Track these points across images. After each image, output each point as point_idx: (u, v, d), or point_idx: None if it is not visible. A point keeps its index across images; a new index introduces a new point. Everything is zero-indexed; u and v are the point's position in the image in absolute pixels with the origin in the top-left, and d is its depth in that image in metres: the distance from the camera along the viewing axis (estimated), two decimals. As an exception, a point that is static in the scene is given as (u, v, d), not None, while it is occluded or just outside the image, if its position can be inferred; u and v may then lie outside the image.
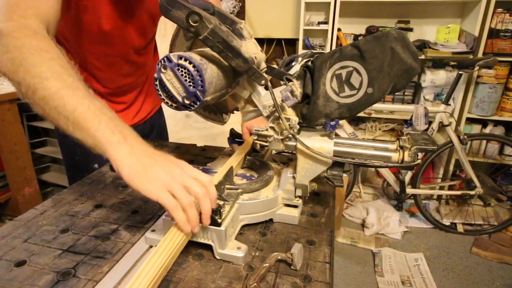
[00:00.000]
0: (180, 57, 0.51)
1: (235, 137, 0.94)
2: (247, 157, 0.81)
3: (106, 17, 0.81)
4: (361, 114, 2.48)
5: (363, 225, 2.30)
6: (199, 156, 1.05)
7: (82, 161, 1.01)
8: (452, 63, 2.00)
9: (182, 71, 0.51)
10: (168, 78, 0.52)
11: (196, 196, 0.52)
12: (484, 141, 2.38)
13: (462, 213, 2.34)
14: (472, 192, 2.15)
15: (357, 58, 0.59)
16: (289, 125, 0.62)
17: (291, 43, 2.78)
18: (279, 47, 2.86)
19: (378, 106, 2.29)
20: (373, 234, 2.21)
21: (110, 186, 0.84)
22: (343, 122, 2.13)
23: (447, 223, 2.29)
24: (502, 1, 2.06)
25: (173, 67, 0.51)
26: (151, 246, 0.62)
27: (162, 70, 0.52)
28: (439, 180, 2.49)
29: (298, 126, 0.65)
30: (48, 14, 0.63)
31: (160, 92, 0.54)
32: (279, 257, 0.57)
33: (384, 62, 0.57)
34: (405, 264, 1.95)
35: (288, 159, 0.96)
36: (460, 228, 2.27)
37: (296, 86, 0.63)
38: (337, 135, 0.66)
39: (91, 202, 0.76)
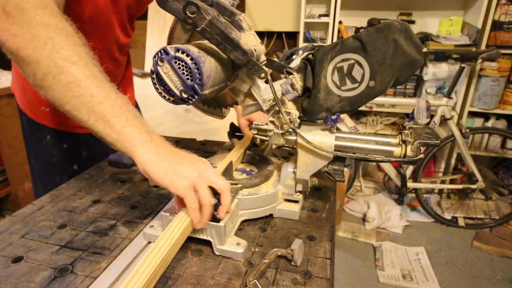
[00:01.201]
0: (178, 50, 0.50)
1: (235, 131, 0.93)
2: (247, 151, 0.80)
3: (93, 5, 0.77)
4: (362, 108, 2.46)
5: (364, 219, 2.29)
6: (199, 151, 1.04)
7: (61, 164, 0.97)
8: (454, 55, 1.98)
9: (179, 64, 0.50)
10: (165, 71, 0.51)
11: (221, 189, 0.54)
12: (486, 135, 2.36)
13: (464, 207, 2.33)
14: (473, 186, 2.14)
15: (359, 50, 0.57)
16: (289, 119, 0.61)
17: (292, 36, 2.76)
18: (279, 40, 2.83)
19: (379, 99, 2.27)
20: (374, 228, 2.21)
21: (109, 181, 0.84)
22: (344, 116, 2.11)
23: (448, 217, 2.29)
24: (506, -7, 2.03)
25: (170, 59, 0.50)
26: (149, 242, 0.61)
27: (159, 63, 0.51)
28: (440, 174, 2.47)
29: (298, 120, 0.64)
30: None
31: (157, 86, 0.53)
32: (279, 253, 0.56)
33: (386, 55, 0.56)
34: (406, 258, 1.95)
35: (288, 154, 0.95)
36: (461, 222, 2.27)
37: (297, 80, 0.62)
38: (338, 129, 0.64)
39: (89, 197, 0.76)
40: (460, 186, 2.21)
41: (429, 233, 2.19)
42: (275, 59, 0.66)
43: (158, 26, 2.64)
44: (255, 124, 0.66)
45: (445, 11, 2.40)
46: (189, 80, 0.50)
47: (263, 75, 0.58)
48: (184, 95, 0.51)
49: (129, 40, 0.96)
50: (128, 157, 0.86)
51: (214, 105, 0.74)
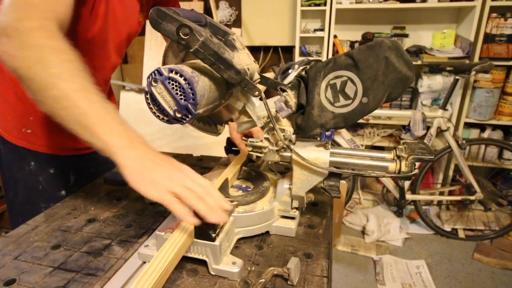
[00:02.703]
0: (171, 70, 0.50)
1: (232, 146, 0.93)
2: (243, 167, 0.80)
3: (93, 24, 0.78)
4: (359, 120, 2.47)
5: (363, 232, 2.28)
6: (195, 167, 1.04)
7: (47, 190, 0.92)
8: (448, 68, 2.01)
9: (173, 84, 0.51)
10: (159, 91, 0.51)
11: (196, 194, 0.53)
12: (483, 146, 2.37)
13: (463, 219, 2.32)
14: (472, 197, 2.14)
15: (351, 67, 0.58)
16: (284, 136, 0.61)
17: (288, 50, 2.79)
18: (276, 55, 2.86)
19: (375, 112, 2.28)
20: (374, 242, 2.19)
21: (104, 199, 0.83)
22: (341, 128, 2.12)
23: (448, 229, 2.27)
24: (497, 6, 2.07)
25: (163, 80, 0.51)
26: (144, 262, 0.60)
27: (153, 83, 0.51)
28: (439, 186, 2.47)
29: (293, 137, 0.64)
30: (64, 18, 0.63)
31: (151, 106, 0.53)
32: (275, 272, 0.55)
33: (378, 72, 0.57)
34: (407, 271, 1.93)
35: (285, 168, 0.95)
36: (461, 233, 2.25)
37: (291, 97, 0.62)
38: (335, 142, 0.65)
39: (84, 216, 0.75)
40: (458, 198, 2.21)
41: (429, 245, 2.17)
42: (269, 76, 0.66)
43: (156, 41, 2.67)
44: (250, 141, 0.66)
45: (438, 25, 2.44)
46: (182, 100, 0.50)
47: (256, 93, 0.58)
48: (178, 115, 0.52)
49: (120, 61, 0.97)
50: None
51: (209, 122, 0.75)
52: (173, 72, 0.50)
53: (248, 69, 0.57)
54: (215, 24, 0.61)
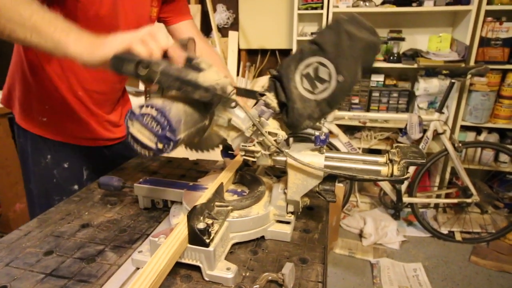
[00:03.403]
0: (141, 107, 0.51)
1: (228, 149, 0.92)
2: (239, 171, 0.80)
3: (107, 2, 0.81)
4: (355, 123, 2.48)
5: (360, 235, 2.27)
6: (191, 170, 1.04)
7: (61, 184, 0.97)
8: (444, 71, 2.01)
9: (146, 118, 0.51)
10: (138, 129, 0.52)
11: (166, 44, 0.57)
12: (479, 149, 2.38)
13: (460, 221, 2.32)
14: (469, 200, 2.14)
15: (318, 52, 0.60)
16: (276, 140, 0.61)
17: (285, 53, 2.80)
18: (273, 58, 2.87)
19: (372, 115, 2.29)
20: (371, 244, 2.19)
21: (98, 203, 0.82)
22: (338, 131, 2.12)
23: (445, 232, 2.28)
24: (492, 10, 2.09)
25: (137, 118, 0.51)
26: (138, 268, 0.59)
27: (130, 125, 0.52)
28: (435, 189, 2.48)
29: (290, 140, 0.64)
30: None
31: (135, 146, 0.53)
32: (270, 277, 0.55)
33: (343, 47, 0.58)
34: (404, 274, 1.92)
35: (281, 172, 0.95)
36: (458, 236, 2.25)
37: (271, 99, 0.64)
38: (333, 145, 0.65)
39: (77, 222, 0.74)
40: (455, 200, 2.21)
41: (426, 248, 2.17)
42: (242, 87, 0.67)
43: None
44: (242, 146, 0.66)
45: (434, 28, 2.46)
46: (160, 131, 0.51)
47: (233, 104, 0.59)
48: (160, 146, 0.51)
49: None
50: (118, 179, 0.86)
51: (201, 149, 0.75)
52: (144, 107, 0.51)
53: (217, 84, 0.57)
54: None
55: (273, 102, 0.64)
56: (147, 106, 0.51)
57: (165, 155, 1.20)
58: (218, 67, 1.05)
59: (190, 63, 0.61)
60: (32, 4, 0.61)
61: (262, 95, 0.64)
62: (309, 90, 0.61)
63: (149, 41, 0.57)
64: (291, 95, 0.62)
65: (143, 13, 0.94)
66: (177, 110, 0.52)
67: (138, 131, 0.51)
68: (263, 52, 2.86)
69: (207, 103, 0.59)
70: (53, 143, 0.95)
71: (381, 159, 0.62)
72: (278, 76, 0.64)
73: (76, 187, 0.98)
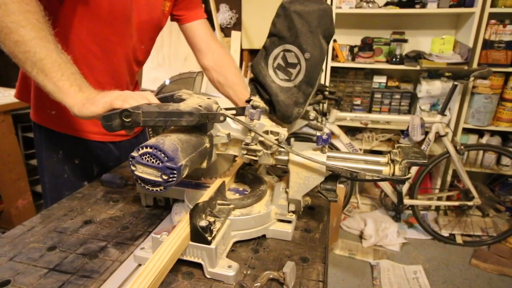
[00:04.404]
0: (138, 149, 0.53)
1: None
2: (240, 170, 0.80)
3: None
4: (357, 124, 2.48)
5: (361, 236, 2.27)
6: (193, 169, 1.04)
7: (71, 179, 0.99)
8: (447, 74, 2.01)
9: (145, 158, 0.53)
10: (141, 171, 0.54)
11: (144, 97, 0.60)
12: (481, 151, 2.38)
13: (461, 224, 2.32)
14: (470, 203, 2.14)
15: (278, 41, 0.63)
16: (278, 139, 0.62)
17: (288, 54, 2.80)
18: (275, 58, 2.87)
19: (374, 116, 2.29)
20: (371, 246, 2.19)
21: (101, 200, 0.83)
22: (339, 132, 2.12)
23: (446, 234, 2.27)
24: (496, 13, 2.09)
25: (137, 160, 0.53)
26: (140, 265, 0.60)
27: (133, 168, 0.54)
28: (437, 191, 2.47)
29: (292, 140, 0.64)
30: None
31: (145, 186, 0.55)
32: (271, 276, 0.55)
33: (297, 26, 0.60)
34: (404, 277, 1.92)
35: (282, 172, 0.95)
36: (459, 239, 2.25)
37: (258, 101, 0.66)
38: (334, 146, 0.66)
39: (80, 218, 0.75)
40: (456, 203, 2.21)
41: (426, 250, 2.17)
42: (229, 107, 0.69)
43: (161, 45, 2.69)
44: (244, 144, 0.66)
45: (437, 30, 2.45)
46: (160, 164, 0.52)
47: (221, 118, 0.60)
48: (165, 177, 0.53)
49: (141, 48, 0.99)
50: (120, 177, 0.86)
51: (210, 175, 0.76)
52: (140, 149, 0.53)
53: (200, 106, 0.58)
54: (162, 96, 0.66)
55: (261, 103, 0.67)
56: (142, 148, 0.53)
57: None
58: (232, 70, 1.05)
59: (173, 98, 0.64)
60: (48, 44, 0.64)
61: (248, 101, 0.68)
62: (285, 79, 0.64)
63: (128, 97, 0.60)
64: (271, 90, 0.65)
65: (155, 6, 0.95)
66: (170, 142, 0.54)
67: (143, 172, 0.54)
68: (266, 52, 2.86)
69: (200, 126, 0.61)
70: (64, 138, 0.96)
71: (383, 159, 0.62)
72: (255, 78, 0.67)
73: (85, 183, 0.99)
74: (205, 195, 0.65)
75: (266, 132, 0.62)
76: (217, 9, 2.77)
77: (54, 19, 0.76)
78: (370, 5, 2.30)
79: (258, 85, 0.67)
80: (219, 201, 0.65)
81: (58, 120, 0.94)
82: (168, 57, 2.74)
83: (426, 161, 0.56)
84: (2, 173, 1.94)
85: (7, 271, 0.57)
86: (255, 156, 0.66)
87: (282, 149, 0.63)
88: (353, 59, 2.48)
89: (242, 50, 2.83)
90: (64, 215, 0.76)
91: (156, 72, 2.75)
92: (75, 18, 0.83)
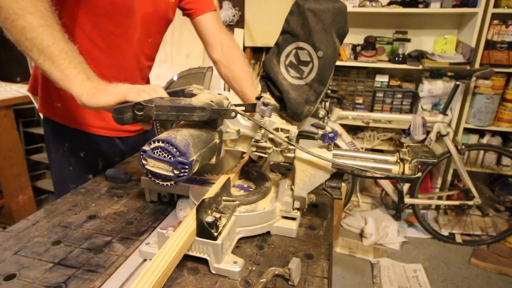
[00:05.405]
0: (150, 143, 0.53)
1: None
2: (245, 167, 0.80)
3: None
4: (359, 123, 2.48)
5: (361, 235, 2.28)
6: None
7: (76, 172, 1.00)
8: (449, 73, 2.01)
9: (157, 152, 0.53)
10: (152, 165, 0.54)
11: (154, 90, 0.60)
12: (482, 151, 2.38)
13: (461, 223, 2.32)
14: (470, 202, 2.14)
15: (291, 39, 0.62)
16: (287, 137, 0.62)
17: (290, 52, 2.79)
18: (277, 56, 2.87)
19: (376, 115, 2.29)
20: (372, 244, 2.19)
21: (105, 196, 0.83)
22: (341, 131, 2.12)
23: (446, 233, 2.28)
24: (498, 13, 2.08)
25: (149, 154, 0.53)
26: (145, 260, 0.60)
27: (144, 162, 0.54)
28: (437, 190, 2.48)
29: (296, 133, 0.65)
30: None
31: (155, 180, 0.55)
32: (276, 272, 0.55)
33: (311, 24, 0.59)
34: (404, 275, 1.93)
35: (286, 169, 0.95)
36: (458, 238, 2.26)
37: (269, 98, 0.66)
38: (335, 144, 0.66)
39: (84, 213, 0.75)
40: (456, 202, 2.22)
41: (426, 249, 2.17)
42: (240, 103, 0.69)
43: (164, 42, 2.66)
44: (254, 141, 0.66)
45: (440, 30, 2.45)
46: (172, 158, 0.52)
47: (233, 114, 0.60)
48: (176, 172, 0.53)
49: (147, 42, 0.99)
50: (125, 172, 0.86)
51: (217, 172, 0.76)
52: (152, 143, 0.53)
53: (211, 101, 0.58)
54: (172, 91, 0.66)
55: (271, 100, 0.66)
56: (154, 142, 0.52)
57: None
58: (239, 64, 1.04)
59: (184, 93, 0.64)
60: (56, 32, 0.63)
61: (259, 98, 0.67)
62: (297, 77, 0.64)
63: (141, 91, 0.59)
64: (282, 87, 0.64)
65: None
66: (182, 136, 0.54)
67: (154, 166, 0.54)
68: (268, 50, 2.85)
69: (211, 121, 0.61)
70: (70, 131, 0.96)
71: (392, 158, 0.62)
72: (266, 75, 0.66)
73: (91, 176, 1.00)
74: (211, 191, 0.65)
75: (277, 130, 0.62)
76: (220, 6, 2.76)
77: (60, 10, 0.76)
78: (373, 4, 2.29)
79: (269, 82, 0.66)
80: (224, 198, 0.65)
81: (64, 113, 0.94)
82: (170, 54, 2.74)
83: (436, 161, 0.56)
84: (3, 168, 1.94)
85: (12, 265, 0.58)
86: (265, 153, 0.66)
87: (292, 147, 0.63)
88: (355, 58, 2.48)
89: (244, 48, 2.83)
90: (68, 210, 0.76)
91: (158, 69, 2.75)
92: (79, 10, 0.83)
